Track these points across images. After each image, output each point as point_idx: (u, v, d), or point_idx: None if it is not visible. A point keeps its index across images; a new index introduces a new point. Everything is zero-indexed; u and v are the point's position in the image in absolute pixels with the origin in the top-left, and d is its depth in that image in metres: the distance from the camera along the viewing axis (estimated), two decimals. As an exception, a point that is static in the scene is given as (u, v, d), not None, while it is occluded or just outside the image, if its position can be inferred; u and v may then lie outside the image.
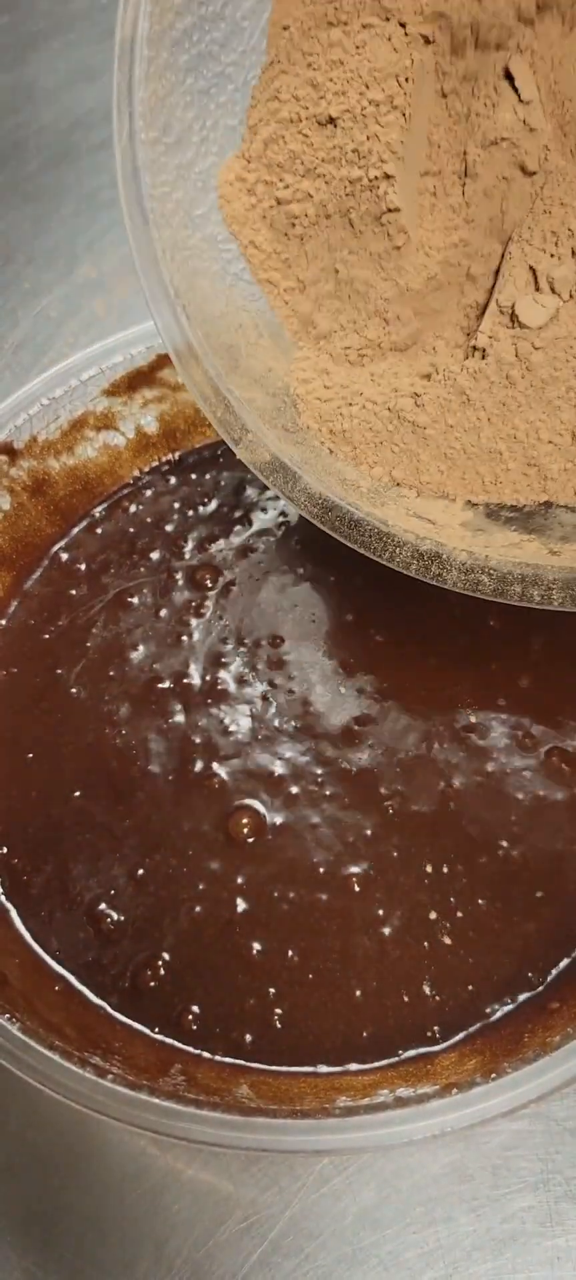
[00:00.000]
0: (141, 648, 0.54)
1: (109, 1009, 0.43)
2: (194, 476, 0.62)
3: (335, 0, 0.45)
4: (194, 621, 0.55)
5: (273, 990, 0.43)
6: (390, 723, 0.50)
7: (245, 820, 0.47)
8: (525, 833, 0.47)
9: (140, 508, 0.61)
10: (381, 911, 0.45)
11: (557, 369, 0.44)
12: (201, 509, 0.60)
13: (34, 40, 0.97)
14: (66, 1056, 0.38)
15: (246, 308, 0.49)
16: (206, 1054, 0.41)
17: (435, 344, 0.48)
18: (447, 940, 0.44)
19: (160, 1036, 0.42)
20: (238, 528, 0.59)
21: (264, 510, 0.60)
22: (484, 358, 0.45)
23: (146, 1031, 0.42)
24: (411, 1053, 0.42)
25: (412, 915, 0.45)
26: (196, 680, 0.53)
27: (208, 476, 0.62)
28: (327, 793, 0.48)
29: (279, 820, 0.47)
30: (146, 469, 0.62)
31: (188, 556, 0.58)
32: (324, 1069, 0.41)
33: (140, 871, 0.46)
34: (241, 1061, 0.41)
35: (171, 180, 0.47)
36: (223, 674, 0.53)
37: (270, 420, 0.47)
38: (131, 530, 0.60)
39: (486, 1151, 0.42)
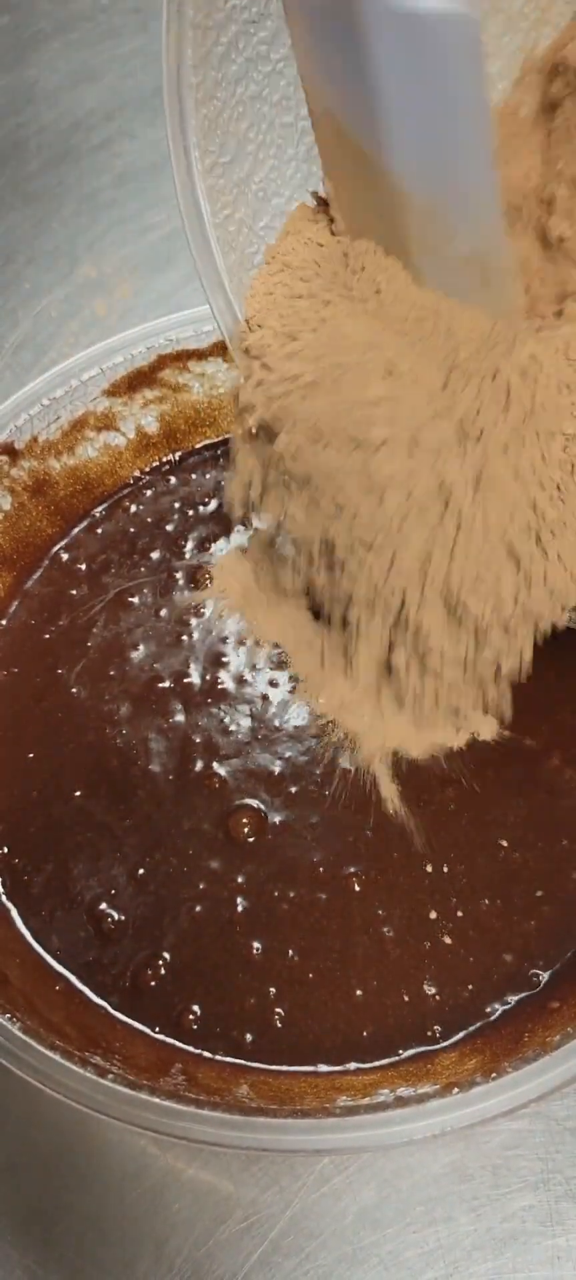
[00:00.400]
0: (142, 647, 0.54)
1: (109, 1008, 0.43)
2: (194, 476, 0.62)
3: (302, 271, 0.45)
4: (194, 621, 0.55)
5: (273, 990, 0.43)
6: (390, 722, 0.50)
7: (245, 819, 0.47)
8: (525, 833, 0.47)
9: (140, 508, 0.61)
10: (381, 911, 0.45)
11: None
12: (202, 509, 0.60)
13: (35, 41, 0.97)
14: (67, 1056, 0.38)
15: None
16: (206, 1053, 0.41)
17: None
18: (448, 940, 0.44)
19: (160, 1036, 0.42)
20: (238, 527, 0.59)
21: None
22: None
23: (147, 1031, 0.42)
24: (411, 1052, 0.42)
25: (413, 915, 0.45)
26: (196, 680, 0.53)
27: (208, 476, 0.62)
28: (327, 792, 0.48)
29: (279, 820, 0.47)
30: (147, 469, 0.62)
31: (188, 556, 0.58)
32: (324, 1068, 0.41)
33: (140, 871, 0.46)
34: (241, 1061, 0.41)
35: (232, 200, 0.47)
36: (222, 674, 0.53)
37: None
38: (132, 530, 0.60)
39: (486, 1151, 0.42)
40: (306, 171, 0.48)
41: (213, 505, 0.60)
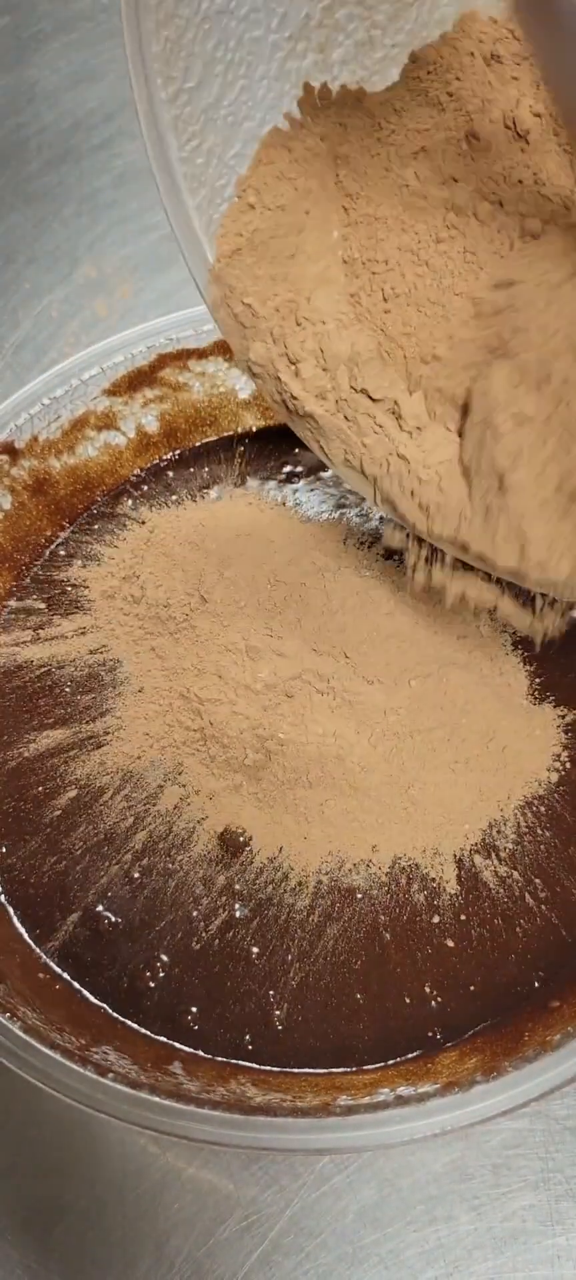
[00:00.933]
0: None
1: (108, 1009, 0.43)
2: (193, 472, 0.62)
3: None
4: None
5: (272, 993, 0.43)
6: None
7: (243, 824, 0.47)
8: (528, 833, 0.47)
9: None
10: (383, 916, 0.45)
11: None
12: (202, 508, 0.60)
13: (35, 41, 0.97)
14: (67, 1056, 0.38)
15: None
16: (206, 1055, 0.41)
17: None
18: (450, 943, 0.44)
19: (160, 1037, 0.42)
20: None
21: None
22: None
23: (146, 1032, 0.42)
24: (412, 1053, 0.41)
25: (414, 918, 0.45)
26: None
27: (206, 472, 0.62)
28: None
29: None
30: (147, 467, 0.62)
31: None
32: (324, 1069, 0.41)
33: (138, 873, 0.46)
34: (241, 1062, 0.41)
35: (199, 129, 0.45)
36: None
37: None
38: (132, 529, 0.60)
39: (487, 1150, 0.42)
40: (279, 91, 0.45)
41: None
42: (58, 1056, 0.38)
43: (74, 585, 0.56)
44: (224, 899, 0.45)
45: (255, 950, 0.44)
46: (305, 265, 0.46)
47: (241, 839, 0.47)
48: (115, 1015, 0.42)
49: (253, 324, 0.46)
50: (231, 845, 0.47)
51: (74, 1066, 0.38)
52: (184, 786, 0.48)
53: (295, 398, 0.46)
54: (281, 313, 0.46)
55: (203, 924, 0.45)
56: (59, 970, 0.44)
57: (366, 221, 0.45)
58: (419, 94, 0.44)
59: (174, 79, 0.43)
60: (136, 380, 0.61)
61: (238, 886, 0.46)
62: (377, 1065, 0.41)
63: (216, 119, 0.45)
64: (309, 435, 0.47)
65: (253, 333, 0.46)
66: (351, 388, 0.46)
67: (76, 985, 0.43)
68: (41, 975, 0.43)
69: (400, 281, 0.45)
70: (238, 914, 0.45)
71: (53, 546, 0.59)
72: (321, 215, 0.46)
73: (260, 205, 0.45)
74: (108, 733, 0.51)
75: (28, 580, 0.57)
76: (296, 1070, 0.41)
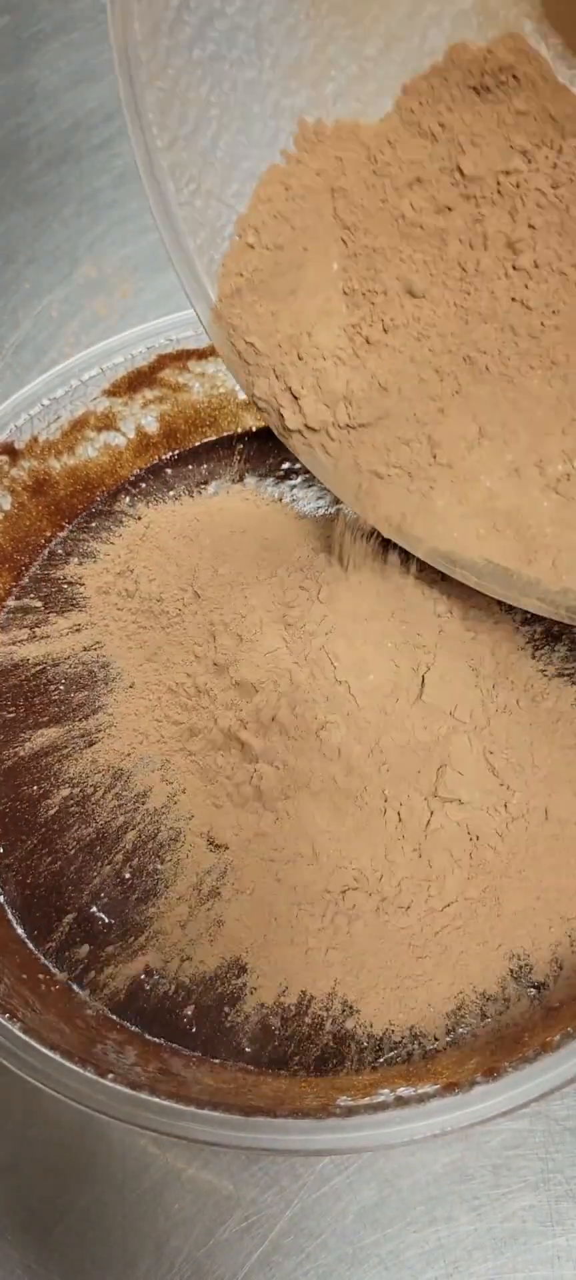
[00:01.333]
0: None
1: (107, 1010, 0.43)
2: (191, 470, 0.62)
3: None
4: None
5: (269, 994, 0.43)
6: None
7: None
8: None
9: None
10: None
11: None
12: (202, 508, 0.60)
13: (35, 41, 0.97)
14: (66, 1056, 0.38)
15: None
16: (205, 1055, 0.41)
17: None
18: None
19: (159, 1038, 0.42)
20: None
21: (262, 509, 0.60)
22: None
23: (144, 1033, 0.42)
24: (412, 1052, 0.41)
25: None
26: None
27: (205, 469, 0.62)
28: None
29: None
30: (147, 468, 0.62)
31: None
32: (324, 1070, 0.41)
33: (129, 873, 0.46)
34: (240, 1063, 0.41)
35: (197, 173, 0.45)
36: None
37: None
38: (131, 529, 0.60)
39: (487, 1151, 0.42)
40: (274, 128, 0.46)
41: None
42: (58, 1057, 0.38)
43: (70, 583, 0.57)
44: (211, 902, 0.45)
45: (250, 951, 0.44)
46: (306, 300, 0.47)
47: (237, 835, 0.47)
48: (114, 1016, 0.42)
49: (256, 361, 0.47)
50: (215, 846, 0.47)
51: (74, 1066, 0.38)
52: (171, 784, 0.48)
53: (297, 430, 0.47)
54: (283, 348, 0.47)
55: (198, 925, 0.45)
56: (57, 971, 0.44)
57: (365, 253, 0.46)
58: (412, 125, 0.45)
59: (169, 127, 0.44)
60: (136, 381, 0.61)
61: (233, 884, 0.45)
62: (377, 1063, 0.41)
63: (214, 161, 0.45)
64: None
65: (256, 370, 0.47)
66: (348, 424, 0.47)
67: (75, 986, 0.43)
68: (40, 975, 0.43)
69: (399, 311, 0.46)
70: (234, 915, 0.45)
71: (51, 546, 0.59)
72: (320, 249, 0.47)
73: (259, 245, 0.46)
74: (100, 730, 0.51)
75: (26, 580, 0.57)
76: (295, 1071, 0.41)
